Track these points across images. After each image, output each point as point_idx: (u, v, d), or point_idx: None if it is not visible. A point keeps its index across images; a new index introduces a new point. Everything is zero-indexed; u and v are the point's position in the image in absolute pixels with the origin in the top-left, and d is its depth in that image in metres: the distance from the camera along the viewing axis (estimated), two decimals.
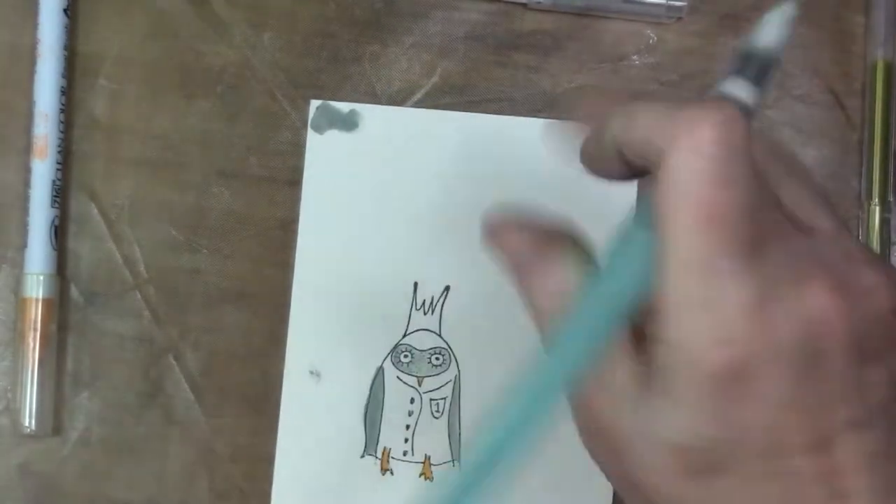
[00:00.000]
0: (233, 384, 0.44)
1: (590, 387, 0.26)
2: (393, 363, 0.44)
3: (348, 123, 0.44)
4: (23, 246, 0.43)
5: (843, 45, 0.46)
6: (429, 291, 0.44)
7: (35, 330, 0.42)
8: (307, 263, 0.44)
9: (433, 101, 0.45)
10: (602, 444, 0.27)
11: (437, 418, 0.44)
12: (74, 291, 0.44)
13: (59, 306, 0.43)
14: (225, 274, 0.44)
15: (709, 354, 0.23)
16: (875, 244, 0.44)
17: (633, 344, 0.26)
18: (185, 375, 0.44)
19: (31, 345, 0.42)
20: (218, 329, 0.44)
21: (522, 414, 0.25)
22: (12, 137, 0.44)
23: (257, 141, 0.44)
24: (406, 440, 0.44)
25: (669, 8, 0.44)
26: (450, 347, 0.44)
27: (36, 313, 0.42)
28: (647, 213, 0.24)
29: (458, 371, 0.44)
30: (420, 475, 0.43)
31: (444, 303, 0.44)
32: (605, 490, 0.43)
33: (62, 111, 0.43)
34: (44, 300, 0.42)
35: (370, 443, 0.44)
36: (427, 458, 0.44)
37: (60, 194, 0.43)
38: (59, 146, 0.43)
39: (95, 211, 0.44)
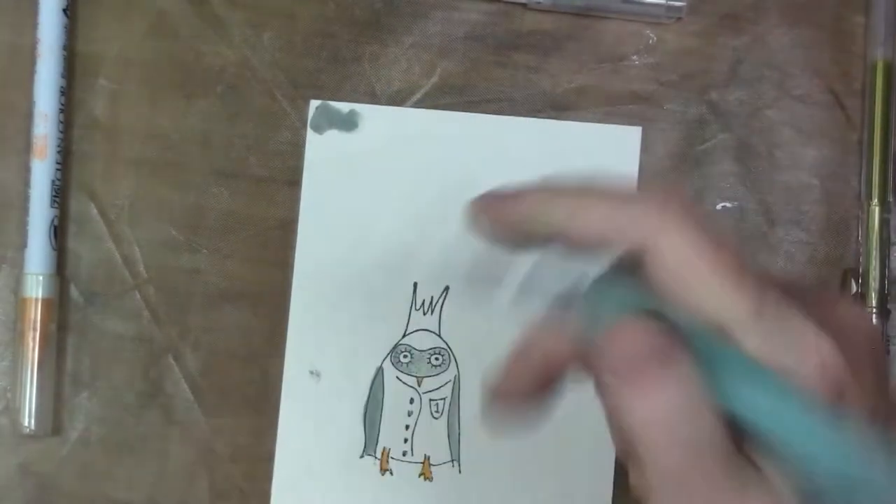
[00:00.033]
0: (233, 384, 0.44)
1: None
2: (392, 363, 0.44)
3: (348, 123, 0.44)
4: (22, 246, 0.43)
5: (843, 45, 0.46)
6: (428, 291, 0.44)
7: (35, 330, 0.42)
8: (307, 263, 0.44)
9: (433, 101, 0.45)
10: None
11: (436, 418, 0.44)
12: (74, 291, 0.44)
13: (58, 306, 0.43)
14: (225, 274, 0.44)
15: None
16: (875, 244, 0.44)
17: None
18: (185, 375, 0.44)
19: (31, 345, 0.42)
20: (218, 329, 0.44)
21: None
22: (12, 137, 0.44)
23: (257, 141, 0.44)
24: (405, 440, 0.44)
25: (669, 8, 0.44)
26: (449, 348, 0.44)
27: (35, 313, 0.42)
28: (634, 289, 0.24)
29: (458, 371, 0.44)
30: (419, 475, 0.43)
31: (443, 303, 0.44)
32: (606, 472, 0.43)
33: (62, 111, 0.43)
34: (43, 300, 0.42)
35: (370, 443, 0.44)
36: (426, 458, 0.44)
37: (60, 194, 0.43)
38: (58, 146, 0.43)
39: (95, 211, 0.44)
